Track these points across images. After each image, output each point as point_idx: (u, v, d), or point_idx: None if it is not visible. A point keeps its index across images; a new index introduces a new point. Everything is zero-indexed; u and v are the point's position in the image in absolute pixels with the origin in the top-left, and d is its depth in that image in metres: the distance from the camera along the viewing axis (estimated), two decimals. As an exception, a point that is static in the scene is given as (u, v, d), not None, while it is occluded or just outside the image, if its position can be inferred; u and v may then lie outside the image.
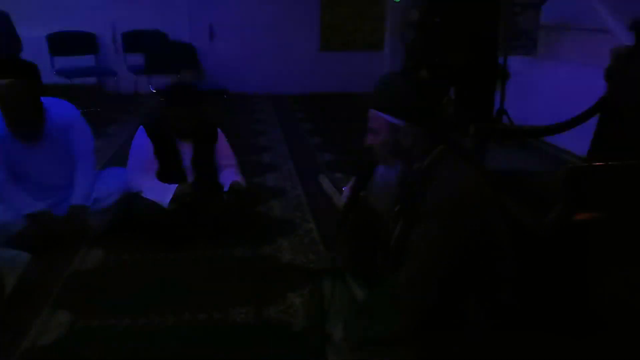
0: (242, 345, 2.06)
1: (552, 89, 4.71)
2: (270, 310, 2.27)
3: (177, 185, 2.89)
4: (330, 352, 1.54)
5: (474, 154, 1.82)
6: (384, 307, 1.45)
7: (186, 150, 2.99)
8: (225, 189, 3.00)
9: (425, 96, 1.49)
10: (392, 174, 1.60)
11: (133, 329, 2.14)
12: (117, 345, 2.05)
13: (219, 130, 3.13)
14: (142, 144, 2.93)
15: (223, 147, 3.12)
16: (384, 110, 1.51)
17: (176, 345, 2.05)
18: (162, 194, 2.85)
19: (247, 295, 2.38)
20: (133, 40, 6.22)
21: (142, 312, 2.25)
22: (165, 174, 2.94)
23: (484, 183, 1.45)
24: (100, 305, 2.30)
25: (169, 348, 2.04)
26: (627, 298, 1.93)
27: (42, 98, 2.72)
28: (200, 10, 6.74)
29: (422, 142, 1.49)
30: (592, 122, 3.20)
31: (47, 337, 2.08)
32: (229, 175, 3.06)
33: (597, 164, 2.02)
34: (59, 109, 2.82)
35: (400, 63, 6.24)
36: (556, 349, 1.68)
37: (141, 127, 2.97)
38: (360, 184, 1.70)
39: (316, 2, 7.06)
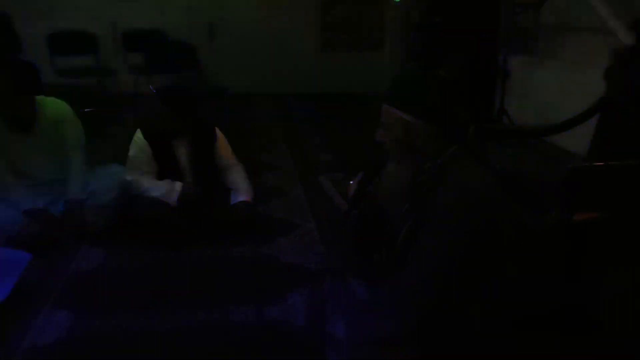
0: (242, 345, 2.06)
1: (552, 89, 4.71)
2: (270, 310, 2.27)
3: (182, 182, 2.91)
4: (330, 352, 1.54)
5: (485, 154, 1.78)
6: (387, 306, 1.44)
7: (183, 151, 2.99)
8: (232, 200, 3.00)
9: (442, 95, 1.46)
10: (402, 172, 1.56)
11: (133, 329, 2.14)
12: (117, 345, 2.05)
13: (216, 130, 3.13)
14: (140, 147, 2.95)
15: (222, 146, 3.12)
16: (398, 107, 1.47)
17: (176, 345, 2.05)
18: (169, 192, 2.87)
19: (247, 295, 2.38)
20: (133, 40, 6.21)
21: (142, 312, 2.25)
22: (164, 176, 2.95)
23: (496, 184, 1.44)
24: (100, 305, 2.30)
25: (169, 348, 2.04)
26: (626, 298, 1.93)
27: (38, 97, 2.81)
28: (200, 10, 6.74)
29: (435, 141, 1.46)
30: (592, 122, 3.20)
31: (47, 337, 2.08)
32: (237, 186, 3.05)
33: (597, 164, 2.02)
34: (52, 106, 2.90)
35: (401, 63, 6.26)
36: (556, 349, 1.68)
37: (138, 129, 2.98)
38: (368, 178, 1.67)
39: (316, 2, 7.06)
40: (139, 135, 2.96)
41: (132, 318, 2.20)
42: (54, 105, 2.90)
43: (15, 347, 2.01)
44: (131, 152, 2.99)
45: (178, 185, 2.91)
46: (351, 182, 1.82)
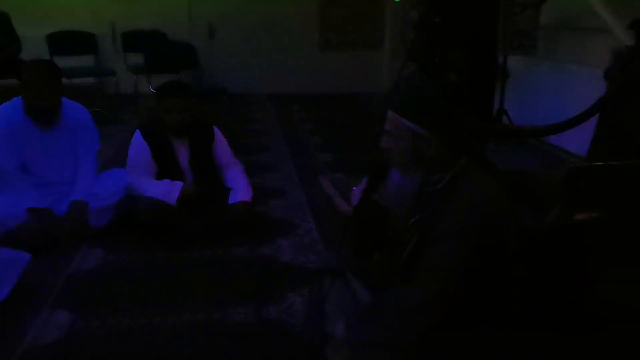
0: (242, 345, 2.06)
1: (552, 89, 4.71)
2: (270, 310, 2.27)
3: (181, 182, 2.91)
4: (330, 352, 1.53)
5: (495, 164, 1.76)
6: (389, 314, 1.43)
7: (183, 151, 2.99)
8: (230, 199, 2.99)
9: (456, 106, 1.41)
10: (408, 182, 1.50)
11: (133, 329, 2.14)
12: (117, 345, 2.05)
13: (215, 129, 3.13)
14: (139, 148, 2.96)
15: (221, 146, 3.12)
16: (409, 117, 1.41)
17: (176, 345, 2.05)
18: (168, 192, 2.87)
19: (247, 295, 2.38)
20: (133, 40, 6.21)
21: (142, 312, 2.25)
22: (164, 176, 2.95)
23: (505, 197, 1.41)
24: (100, 305, 2.30)
25: (169, 348, 2.04)
26: (626, 298, 1.93)
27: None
28: (200, 10, 6.74)
29: (445, 152, 1.42)
30: (592, 122, 3.20)
31: (47, 337, 2.08)
32: (236, 185, 3.04)
33: (597, 164, 2.02)
34: (73, 108, 2.98)
35: (401, 63, 6.25)
36: (556, 349, 1.69)
37: (137, 130, 2.99)
38: (373, 186, 1.64)
39: (316, 2, 7.06)
40: (137, 136, 2.96)
41: (132, 318, 2.20)
42: (74, 109, 2.98)
43: (15, 346, 2.01)
44: (130, 153, 3.00)
45: (178, 185, 2.91)
46: (354, 187, 1.80)
